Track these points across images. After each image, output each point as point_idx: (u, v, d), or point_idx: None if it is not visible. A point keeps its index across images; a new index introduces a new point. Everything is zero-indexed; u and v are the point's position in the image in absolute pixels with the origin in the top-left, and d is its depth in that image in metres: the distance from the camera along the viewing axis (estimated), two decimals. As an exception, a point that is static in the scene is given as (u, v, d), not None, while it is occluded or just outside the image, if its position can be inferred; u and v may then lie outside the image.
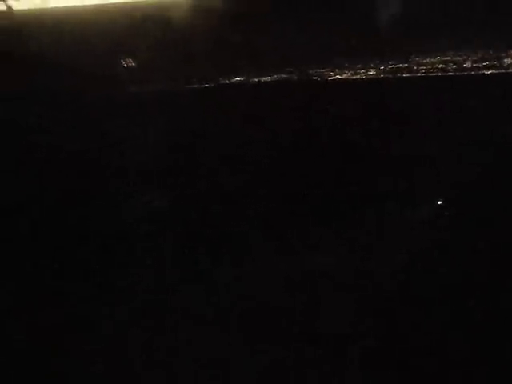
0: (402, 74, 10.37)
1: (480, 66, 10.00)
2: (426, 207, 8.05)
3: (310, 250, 7.51)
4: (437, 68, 10.23)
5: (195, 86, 11.47)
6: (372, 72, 10.58)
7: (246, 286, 6.82)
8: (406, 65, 10.48)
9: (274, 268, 7.08)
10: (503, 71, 9.78)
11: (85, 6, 11.15)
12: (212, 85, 11.41)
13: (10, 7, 10.39)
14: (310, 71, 11.02)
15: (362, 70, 10.70)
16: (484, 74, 9.84)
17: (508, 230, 7.22)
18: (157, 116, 10.95)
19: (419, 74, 10.23)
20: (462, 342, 5.67)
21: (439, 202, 8.07)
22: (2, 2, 10.61)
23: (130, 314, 6.44)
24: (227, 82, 11.39)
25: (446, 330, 5.78)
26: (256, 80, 11.24)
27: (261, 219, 8.80)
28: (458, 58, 10.37)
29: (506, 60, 10.07)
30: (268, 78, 11.22)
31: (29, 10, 10.56)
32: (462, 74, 9.95)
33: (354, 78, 10.65)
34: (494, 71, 9.84)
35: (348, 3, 10.77)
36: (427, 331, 5.82)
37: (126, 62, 11.31)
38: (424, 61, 10.49)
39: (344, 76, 10.74)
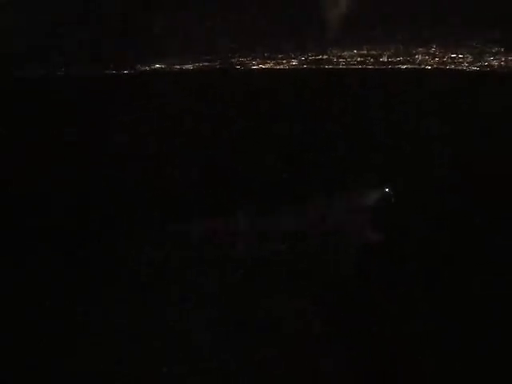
0: (323, 65, 10.73)
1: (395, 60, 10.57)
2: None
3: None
4: (356, 61, 10.69)
5: (113, 71, 11.12)
6: (294, 62, 10.85)
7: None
8: (326, 57, 10.85)
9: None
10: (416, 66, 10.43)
11: None
12: (131, 71, 11.13)
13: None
14: (233, 60, 11.07)
15: (283, 60, 10.93)
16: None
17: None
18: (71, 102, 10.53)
19: (340, 66, 10.63)
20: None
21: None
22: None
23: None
24: (147, 68, 11.15)
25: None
26: (178, 67, 11.12)
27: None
28: (374, 53, 10.90)
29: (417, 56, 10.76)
30: (190, 66, 11.14)
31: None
32: (378, 67, 10.47)
33: (277, 67, 10.85)
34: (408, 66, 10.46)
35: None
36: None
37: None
38: (343, 53, 10.91)
39: (266, 66, 10.91)
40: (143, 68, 11.17)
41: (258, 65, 10.98)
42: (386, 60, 10.67)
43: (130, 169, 9.51)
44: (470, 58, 10.52)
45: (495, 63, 10.38)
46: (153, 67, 11.20)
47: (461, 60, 10.55)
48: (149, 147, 10.10)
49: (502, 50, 11.15)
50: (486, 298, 6.00)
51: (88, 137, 9.67)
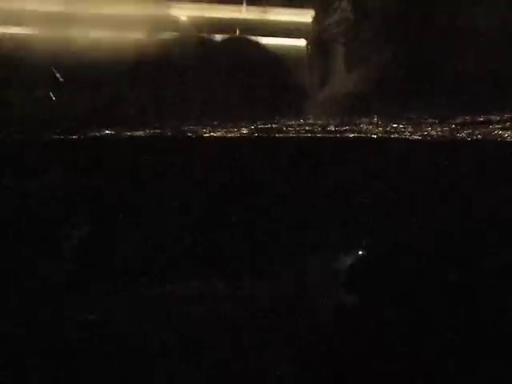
0: (273, 133, 11.06)
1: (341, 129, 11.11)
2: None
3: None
4: (304, 129, 11.12)
5: (61, 137, 10.90)
6: (244, 131, 11.11)
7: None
8: (276, 125, 11.21)
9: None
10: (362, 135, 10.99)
11: None
12: (81, 137, 10.95)
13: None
14: (184, 128, 11.18)
15: (234, 128, 11.18)
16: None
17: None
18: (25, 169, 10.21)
19: (290, 134, 11.00)
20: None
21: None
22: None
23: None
24: (97, 134, 11.03)
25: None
26: (128, 134, 11.08)
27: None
28: (320, 122, 11.40)
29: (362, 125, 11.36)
30: (141, 133, 11.13)
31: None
32: (328, 135, 10.93)
33: (228, 136, 11.07)
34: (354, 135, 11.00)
35: (223, 69, 11.34)
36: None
37: None
38: (290, 122, 11.32)
39: (218, 134, 11.10)
40: (92, 134, 11.04)
41: (209, 133, 11.15)
42: (333, 129, 11.18)
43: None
44: (410, 128, 11.22)
45: (433, 133, 11.13)
46: (102, 133, 11.09)
47: (402, 129, 11.23)
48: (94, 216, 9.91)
49: (436, 121, 11.99)
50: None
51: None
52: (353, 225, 8.81)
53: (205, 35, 10.90)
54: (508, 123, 12.28)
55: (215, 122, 11.37)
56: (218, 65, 11.26)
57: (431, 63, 12.20)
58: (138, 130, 11.17)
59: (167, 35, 10.83)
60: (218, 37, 11.31)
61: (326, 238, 8.71)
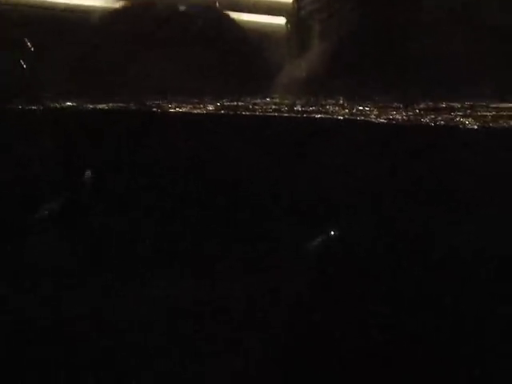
0: (240, 111, 10.94)
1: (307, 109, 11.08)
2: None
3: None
4: (271, 108, 11.03)
5: (19, 107, 10.46)
6: (210, 107, 10.96)
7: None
8: (242, 103, 11.08)
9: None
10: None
11: None
12: (39, 107, 10.53)
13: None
14: (148, 102, 10.92)
15: (199, 104, 11.02)
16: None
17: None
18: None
19: (257, 113, 10.90)
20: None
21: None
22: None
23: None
24: (56, 106, 10.63)
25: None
26: (91, 107, 10.75)
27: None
28: (287, 101, 11.32)
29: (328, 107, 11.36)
30: (104, 106, 10.83)
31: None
32: (295, 115, 10.88)
33: (194, 112, 10.91)
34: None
35: (190, 43, 11.06)
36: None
37: None
38: (257, 100, 11.19)
39: (183, 109, 10.92)
40: (52, 105, 10.62)
41: (174, 108, 10.93)
42: (300, 109, 11.11)
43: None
44: (375, 111, 11.25)
45: (399, 117, 11.19)
46: (63, 105, 10.70)
47: (368, 112, 11.25)
48: (52, 186, 9.64)
49: (401, 105, 12.07)
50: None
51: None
52: (322, 205, 8.82)
53: (178, 6, 10.60)
54: (469, 111, 12.51)
55: (180, 98, 11.16)
56: (186, 38, 11.00)
57: (398, 47, 12.28)
58: (100, 103, 10.86)
59: (139, 2, 10.49)
60: (191, 8, 11.04)
61: (293, 219, 8.72)
